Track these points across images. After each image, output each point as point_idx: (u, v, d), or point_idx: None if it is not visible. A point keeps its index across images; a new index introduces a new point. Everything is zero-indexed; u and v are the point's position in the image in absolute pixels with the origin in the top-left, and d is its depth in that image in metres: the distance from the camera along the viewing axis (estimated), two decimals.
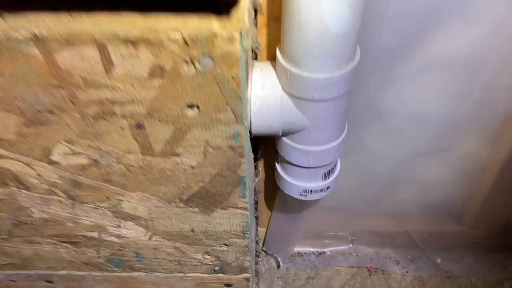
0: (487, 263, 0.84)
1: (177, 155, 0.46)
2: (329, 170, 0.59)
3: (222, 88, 0.39)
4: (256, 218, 0.80)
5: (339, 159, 0.63)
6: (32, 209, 0.54)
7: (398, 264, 0.85)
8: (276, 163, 0.63)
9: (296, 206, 0.76)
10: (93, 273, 0.64)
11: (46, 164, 0.48)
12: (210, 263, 0.61)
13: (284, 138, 0.55)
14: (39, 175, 0.49)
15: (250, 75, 0.49)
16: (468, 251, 0.85)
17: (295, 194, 0.62)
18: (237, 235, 0.56)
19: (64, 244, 0.59)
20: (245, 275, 0.63)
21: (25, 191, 0.51)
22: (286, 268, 0.86)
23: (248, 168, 0.48)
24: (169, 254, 0.60)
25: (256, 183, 0.72)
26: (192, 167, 0.47)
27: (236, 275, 0.63)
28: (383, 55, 0.60)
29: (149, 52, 0.37)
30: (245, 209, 0.52)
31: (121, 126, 0.43)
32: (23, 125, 0.43)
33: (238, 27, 0.35)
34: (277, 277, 0.84)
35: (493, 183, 0.77)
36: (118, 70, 0.38)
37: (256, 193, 0.75)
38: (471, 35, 0.58)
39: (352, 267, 0.85)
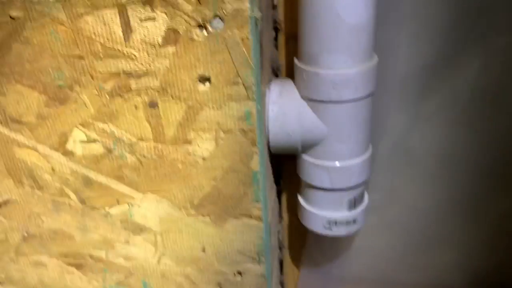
0: None
1: (189, 142, 0.45)
2: (354, 198, 0.55)
3: (233, 54, 0.40)
4: (282, 285, 0.74)
5: (367, 194, 0.59)
6: (42, 217, 0.52)
7: None
8: (298, 195, 0.60)
9: (325, 258, 0.69)
10: None
11: (61, 155, 0.48)
12: None
13: (304, 156, 0.53)
14: (53, 169, 0.49)
15: (269, 83, 0.50)
16: None
17: (318, 227, 0.57)
18: (252, 257, 0.51)
19: (71, 268, 0.56)
20: None
21: (38, 192, 0.51)
22: None
23: (262, 162, 0.45)
24: (179, 285, 0.55)
25: (280, 232, 0.67)
26: (204, 159, 0.46)
27: None
28: (404, 86, 0.60)
29: (164, 14, 0.39)
30: (260, 219, 0.48)
31: (135, 105, 0.44)
32: (44, 104, 0.45)
33: None
34: None
35: None
36: (135, 35, 0.40)
37: (280, 248, 0.70)
38: (491, 66, 0.57)
39: None
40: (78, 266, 0.56)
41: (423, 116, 0.60)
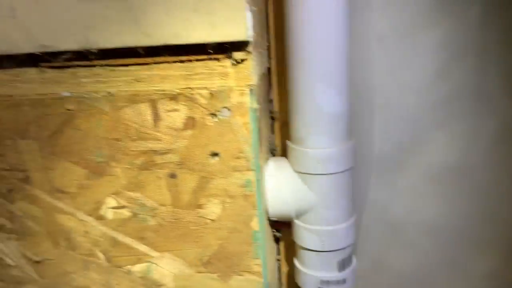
0: None
1: (200, 206, 0.55)
2: (343, 259, 0.64)
3: (237, 135, 0.52)
4: None
5: (355, 259, 0.67)
6: (73, 275, 0.61)
7: None
8: (294, 258, 0.68)
9: None
10: None
11: (94, 220, 0.58)
12: None
13: (297, 221, 0.63)
14: (86, 232, 0.59)
15: (266, 160, 0.61)
16: None
17: (312, 287, 0.65)
18: None
19: None
20: None
21: (71, 252, 0.60)
22: None
23: (261, 223, 0.55)
24: None
25: None
26: (212, 221, 0.56)
27: None
28: (382, 163, 0.71)
29: (185, 106, 0.52)
30: (259, 274, 0.57)
31: (159, 176, 0.55)
32: (84, 177, 0.56)
33: (248, 83, 0.50)
34: None
35: None
36: (162, 122, 0.53)
37: None
38: (454, 146, 0.69)
39: None
40: None
41: (402, 188, 0.71)
